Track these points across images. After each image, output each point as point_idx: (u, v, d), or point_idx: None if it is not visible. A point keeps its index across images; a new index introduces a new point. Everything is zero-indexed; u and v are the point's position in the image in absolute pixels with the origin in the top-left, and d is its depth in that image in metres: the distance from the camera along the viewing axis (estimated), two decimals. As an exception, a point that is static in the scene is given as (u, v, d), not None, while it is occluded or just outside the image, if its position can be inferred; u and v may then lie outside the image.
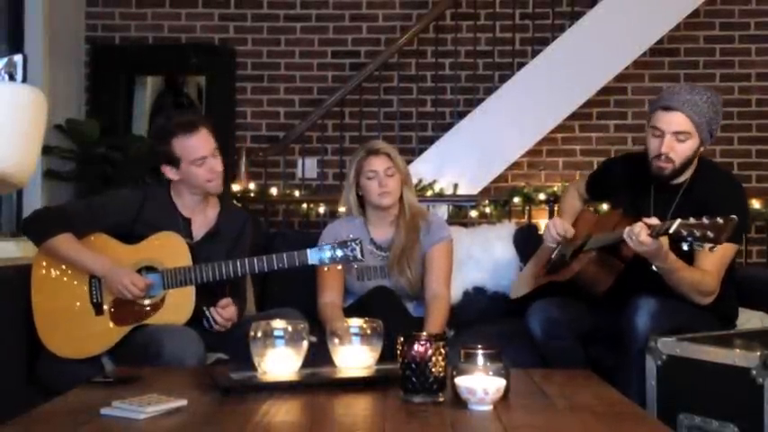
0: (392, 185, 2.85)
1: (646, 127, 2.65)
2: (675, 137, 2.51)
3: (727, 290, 2.59)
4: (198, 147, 2.58)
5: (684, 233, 2.18)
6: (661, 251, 2.32)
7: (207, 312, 2.52)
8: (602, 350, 2.62)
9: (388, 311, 2.54)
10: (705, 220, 2.15)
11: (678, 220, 2.21)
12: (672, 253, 2.35)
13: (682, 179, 2.62)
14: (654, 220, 2.31)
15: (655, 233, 2.28)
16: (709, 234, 2.14)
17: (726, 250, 2.41)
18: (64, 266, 2.56)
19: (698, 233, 2.15)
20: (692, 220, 2.18)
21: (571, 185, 3.17)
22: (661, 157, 2.53)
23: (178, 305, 2.53)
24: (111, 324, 2.52)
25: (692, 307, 2.48)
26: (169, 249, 2.57)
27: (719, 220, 2.13)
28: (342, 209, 3.11)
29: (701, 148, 2.57)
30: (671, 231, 2.21)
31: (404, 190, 2.91)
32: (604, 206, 3.11)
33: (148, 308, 2.53)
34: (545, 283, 2.81)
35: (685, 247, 2.21)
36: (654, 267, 2.38)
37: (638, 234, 2.29)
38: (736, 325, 2.69)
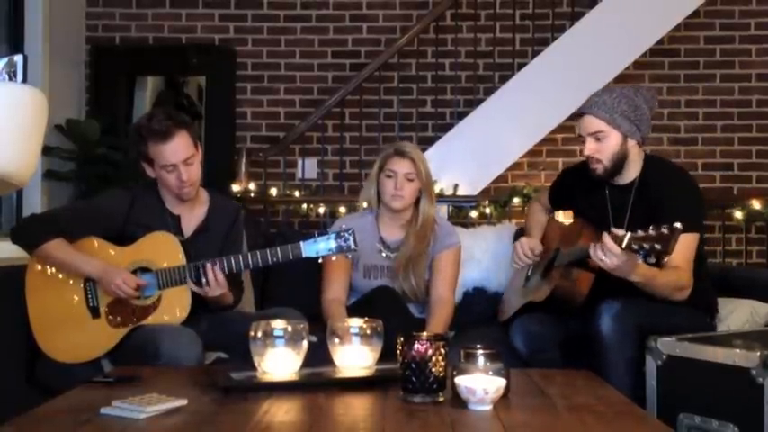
0: (407, 190, 2.83)
1: None
2: (594, 137, 2.58)
3: (701, 280, 2.59)
4: (169, 155, 2.54)
5: (635, 247, 2.18)
6: (633, 263, 2.29)
7: (200, 269, 2.49)
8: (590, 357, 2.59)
9: (390, 311, 2.53)
10: (651, 232, 2.14)
11: (628, 234, 2.20)
12: (642, 264, 2.33)
13: (630, 178, 2.64)
14: (607, 238, 2.27)
15: None
16: (657, 246, 2.13)
17: (688, 241, 2.42)
18: (57, 272, 2.54)
19: (647, 246, 2.15)
20: (639, 233, 2.17)
21: (534, 201, 3.21)
22: (590, 160, 2.61)
23: (174, 305, 2.52)
24: (109, 327, 2.51)
25: (665, 303, 2.48)
26: (162, 249, 2.56)
27: (664, 231, 2.12)
28: (362, 204, 3.05)
29: (631, 142, 2.58)
30: (623, 246, 2.21)
31: (422, 198, 2.89)
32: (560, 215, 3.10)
33: (145, 308, 2.52)
34: (525, 303, 2.82)
35: (640, 261, 2.22)
36: (633, 281, 2.36)
37: (607, 245, 2.24)
38: (717, 312, 2.72)
